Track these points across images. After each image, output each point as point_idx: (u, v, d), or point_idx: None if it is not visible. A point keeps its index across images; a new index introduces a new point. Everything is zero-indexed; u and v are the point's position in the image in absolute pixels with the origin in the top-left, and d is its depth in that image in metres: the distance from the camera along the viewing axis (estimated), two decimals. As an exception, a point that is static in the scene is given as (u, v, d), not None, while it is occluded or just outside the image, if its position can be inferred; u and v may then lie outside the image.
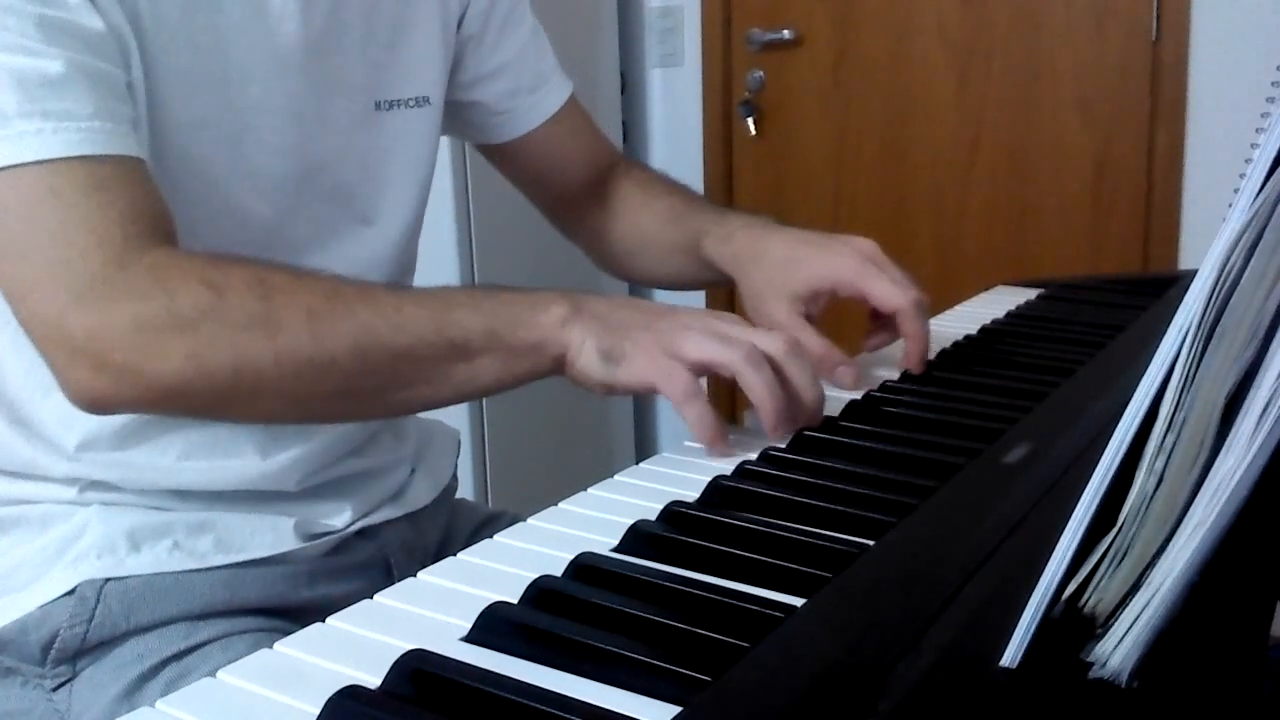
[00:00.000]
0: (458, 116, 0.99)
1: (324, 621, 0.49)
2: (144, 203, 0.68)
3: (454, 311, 0.69)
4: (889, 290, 0.85)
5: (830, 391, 0.77)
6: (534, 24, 1.01)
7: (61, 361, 0.67)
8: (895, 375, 0.86)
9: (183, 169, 0.75)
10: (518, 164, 1.03)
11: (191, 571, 0.78)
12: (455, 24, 0.94)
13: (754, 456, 0.68)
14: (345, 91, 0.84)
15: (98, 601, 0.75)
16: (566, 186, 1.04)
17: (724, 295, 2.26)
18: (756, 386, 0.67)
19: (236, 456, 0.80)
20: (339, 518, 0.85)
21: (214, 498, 0.81)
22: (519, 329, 0.69)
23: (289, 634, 0.77)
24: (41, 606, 0.76)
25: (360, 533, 0.87)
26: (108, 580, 0.76)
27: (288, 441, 0.82)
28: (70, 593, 0.76)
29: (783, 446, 0.70)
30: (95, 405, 0.68)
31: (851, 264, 0.86)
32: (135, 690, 0.75)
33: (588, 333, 0.69)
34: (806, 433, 0.71)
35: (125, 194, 0.67)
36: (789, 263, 0.88)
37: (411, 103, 0.89)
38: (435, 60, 0.91)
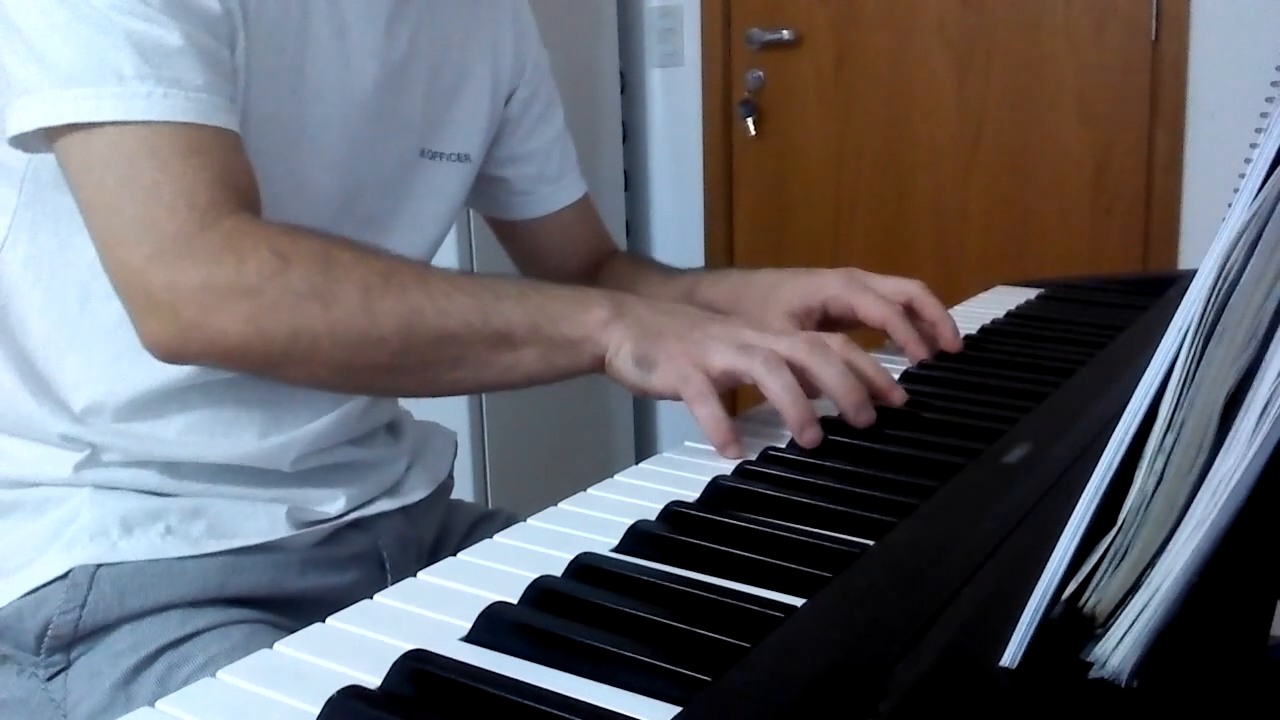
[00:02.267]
0: (483, 189, 1.04)
1: (324, 621, 0.49)
2: (234, 172, 0.72)
3: (501, 302, 0.72)
4: (873, 304, 0.88)
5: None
6: (563, 128, 1.07)
7: (138, 311, 0.71)
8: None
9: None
10: (525, 242, 1.08)
11: (184, 558, 0.78)
12: (504, 100, 0.99)
13: (754, 456, 0.68)
14: (400, 132, 0.88)
15: (90, 587, 0.76)
16: (565, 271, 1.08)
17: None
18: (774, 391, 0.68)
19: (235, 435, 0.82)
20: (332, 505, 0.86)
21: (209, 477, 0.82)
22: (562, 324, 0.72)
23: (282, 624, 0.77)
24: (34, 591, 0.77)
25: (354, 524, 0.88)
26: (100, 565, 0.77)
27: (286, 426, 0.83)
28: (63, 577, 0.76)
29: (783, 447, 0.70)
30: (165, 355, 0.72)
31: (838, 280, 0.90)
32: (131, 679, 0.75)
33: (626, 337, 0.71)
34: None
35: (218, 161, 0.72)
36: (778, 285, 0.92)
37: (454, 157, 0.94)
38: (481, 124, 0.96)
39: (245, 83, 0.76)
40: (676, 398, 0.70)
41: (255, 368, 0.73)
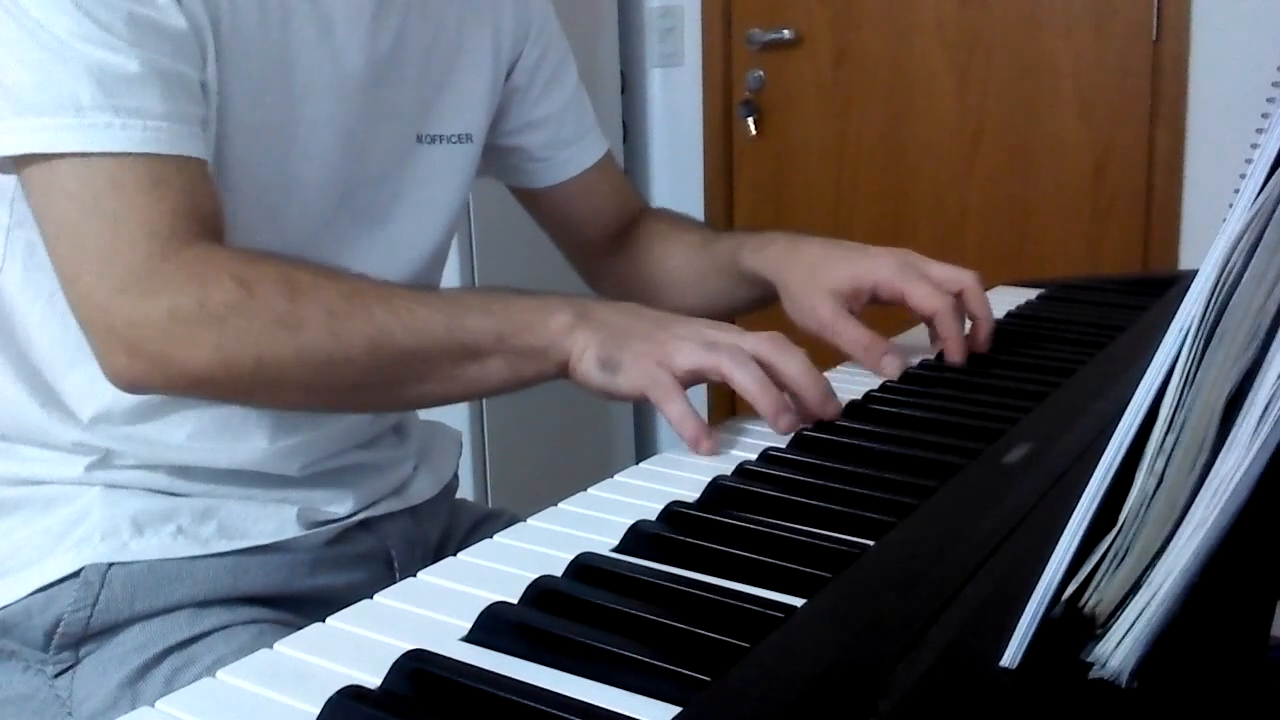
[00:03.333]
0: (498, 160, 1.02)
1: (324, 621, 0.49)
2: (196, 201, 0.72)
3: (465, 315, 0.72)
4: (926, 293, 0.86)
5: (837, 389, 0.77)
6: (577, 83, 1.05)
7: (102, 344, 0.71)
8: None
9: (234, 168, 0.77)
10: (550, 209, 1.06)
11: (195, 558, 0.79)
12: (505, 72, 0.97)
13: (754, 457, 0.68)
14: (393, 121, 0.87)
15: (103, 585, 0.76)
16: (595, 235, 1.07)
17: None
18: (744, 382, 0.69)
19: (245, 439, 0.82)
20: (341, 506, 0.86)
21: (218, 480, 0.82)
22: (526, 334, 0.72)
23: (291, 623, 0.77)
24: (44, 589, 0.77)
25: (362, 524, 0.88)
26: (112, 565, 0.77)
27: (295, 430, 0.83)
28: (74, 576, 0.76)
29: (783, 447, 0.70)
30: (130, 387, 0.72)
31: (891, 263, 0.88)
32: (138, 678, 0.75)
33: (590, 341, 0.71)
34: (806, 433, 0.71)
35: (180, 191, 0.71)
36: (828, 261, 0.90)
37: (454, 139, 0.92)
38: (482, 101, 0.95)
39: (225, 96, 0.75)
40: (644, 399, 0.70)
41: (222, 396, 0.74)
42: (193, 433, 0.81)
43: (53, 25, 0.68)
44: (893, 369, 0.85)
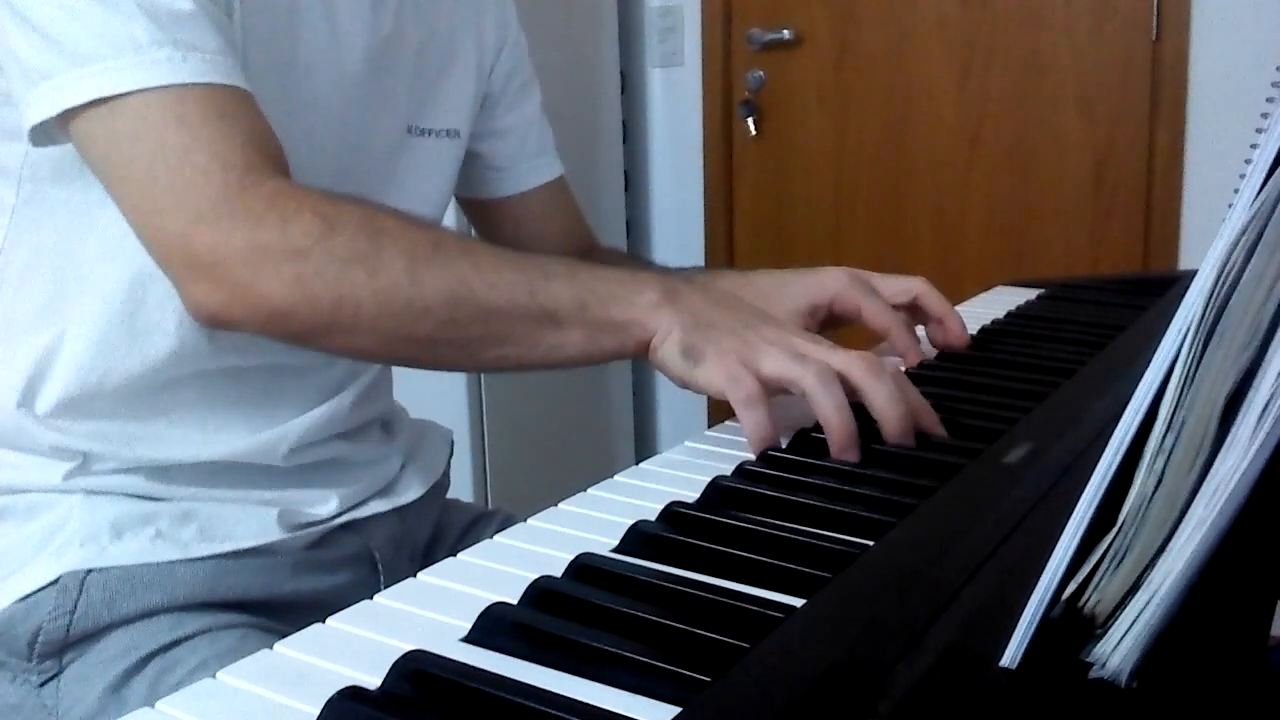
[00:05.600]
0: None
1: (323, 622, 0.49)
2: (262, 134, 0.72)
3: (550, 279, 0.70)
4: (877, 309, 0.87)
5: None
6: (541, 107, 1.05)
7: (183, 276, 0.70)
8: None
9: None
10: (502, 223, 1.05)
11: (175, 562, 0.78)
12: (487, 73, 0.98)
13: (754, 457, 0.68)
14: (387, 110, 0.87)
15: (80, 592, 0.76)
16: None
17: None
18: (824, 407, 0.66)
19: (225, 429, 0.82)
20: (324, 507, 0.86)
21: (199, 481, 0.81)
22: (611, 305, 0.70)
23: (274, 628, 0.77)
24: (25, 598, 0.76)
25: (345, 526, 0.87)
26: (90, 571, 0.77)
27: (278, 418, 0.83)
28: (53, 583, 0.76)
29: (783, 447, 0.70)
30: (211, 319, 0.71)
31: (843, 278, 0.88)
32: (122, 684, 0.75)
33: (675, 323, 0.69)
34: (806, 433, 0.71)
35: (246, 122, 0.71)
36: (782, 284, 0.91)
37: (443, 134, 0.93)
38: (469, 98, 0.95)
39: (242, 62, 0.75)
40: (720, 396, 0.68)
41: (299, 333, 0.71)
42: (173, 423, 0.80)
43: None
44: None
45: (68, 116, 0.69)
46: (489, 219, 1.05)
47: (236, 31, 0.75)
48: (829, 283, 0.88)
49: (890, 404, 0.67)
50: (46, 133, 0.71)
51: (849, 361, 0.68)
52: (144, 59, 0.68)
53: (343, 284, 0.68)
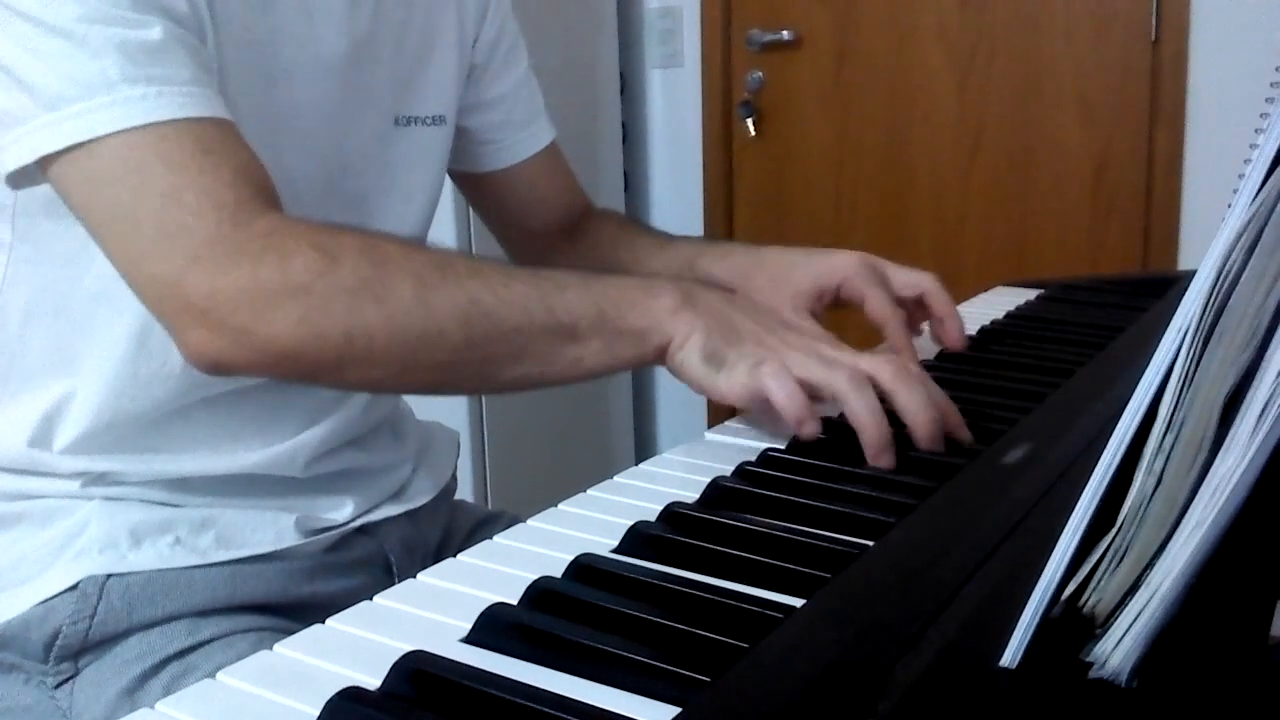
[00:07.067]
0: None
1: (324, 622, 0.49)
2: (249, 164, 0.69)
3: (564, 291, 0.68)
4: (880, 302, 0.86)
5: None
6: (528, 67, 1.03)
7: (179, 323, 0.67)
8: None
9: None
10: (495, 196, 1.03)
11: (193, 568, 0.78)
12: (470, 48, 0.96)
13: (754, 457, 0.68)
14: (372, 104, 0.86)
15: (100, 597, 0.76)
16: (540, 226, 1.04)
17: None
18: (859, 410, 0.65)
19: (243, 446, 0.81)
20: (340, 512, 0.86)
21: (217, 490, 0.81)
22: (629, 312, 0.68)
23: (291, 630, 0.77)
24: (43, 602, 0.76)
25: (361, 529, 0.87)
26: (110, 576, 0.76)
27: (290, 431, 0.83)
28: (72, 588, 0.76)
29: (782, 447, 0.70)
30: (213, 366, 0.68)
31: (854, 263, 0.87)
32: (137, 688, 0.75)
33: (695, 327, 0.68)
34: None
35: (232, 156, 0.68)
36: (791, 265, 0.89)
37: (429, 120, 0.91)
38: (452, 81, 0.93)
39: (221, 82, 0.74)
40: (740, 404, 0.67)
41: (309, 372, 0.69)
42: (185, 444, 0.80)
43: (61, 14, 0.65)
44: None
45: (45, 162, 0.67)
46: (481, 191, 1.03)
47: (211, 48, 0.73)
48: (840, 267, 0.87)
49: (921, 408, 0.66)
50: (26, 175, 0.68)
51: (877, 365, 0.67)
52: (117, 97, 0.65)
53: (351, 317, 0.65)
